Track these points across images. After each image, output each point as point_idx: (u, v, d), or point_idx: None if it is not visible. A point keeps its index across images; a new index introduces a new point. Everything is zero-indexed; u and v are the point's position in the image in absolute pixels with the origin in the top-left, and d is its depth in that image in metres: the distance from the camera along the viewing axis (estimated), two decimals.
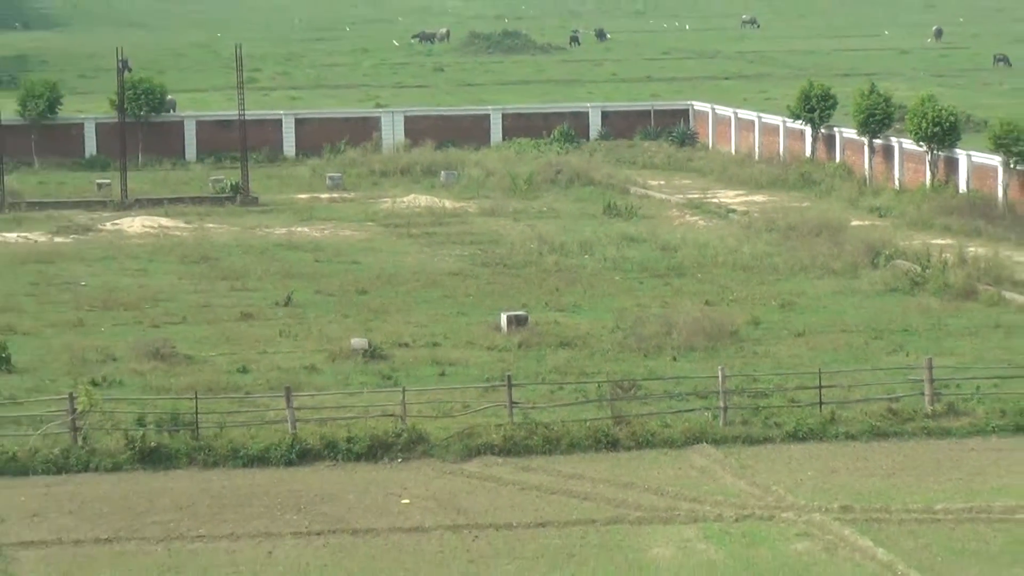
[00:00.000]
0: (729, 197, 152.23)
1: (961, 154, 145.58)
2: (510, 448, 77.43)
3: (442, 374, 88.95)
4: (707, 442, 78.44)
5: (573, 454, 76.99)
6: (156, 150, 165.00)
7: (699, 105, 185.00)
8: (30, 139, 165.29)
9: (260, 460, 76.23)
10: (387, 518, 69.04)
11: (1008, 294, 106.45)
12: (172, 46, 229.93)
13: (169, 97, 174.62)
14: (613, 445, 77.93)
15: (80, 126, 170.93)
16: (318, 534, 66.90)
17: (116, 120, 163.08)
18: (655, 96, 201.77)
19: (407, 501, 70.83)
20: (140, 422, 78.21)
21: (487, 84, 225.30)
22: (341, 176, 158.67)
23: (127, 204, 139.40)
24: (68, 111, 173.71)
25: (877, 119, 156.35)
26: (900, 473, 74.02)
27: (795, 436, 77.57)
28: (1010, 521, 67.39)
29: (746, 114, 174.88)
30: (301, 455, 76.44)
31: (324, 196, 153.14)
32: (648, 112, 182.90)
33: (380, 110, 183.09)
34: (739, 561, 64.16)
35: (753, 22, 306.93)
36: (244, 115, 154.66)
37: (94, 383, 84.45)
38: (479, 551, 65.38)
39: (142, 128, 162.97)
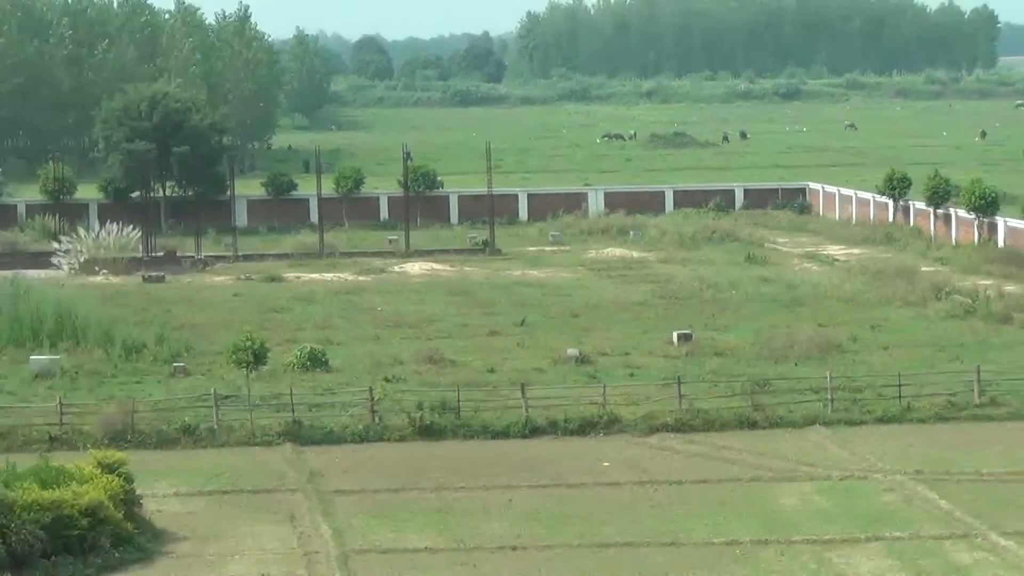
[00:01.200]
0: (834, 250, 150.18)
1: (1000, 220, 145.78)
2: (679, 427, 78.09)
3: (631, 374, 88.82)
4: (819, 424, 78.68)
5: (724, 432, 77.52)
6: (430, 215, 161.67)
7: (813, 185, 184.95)
8: (341, 207, 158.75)
9: (503, 434, 77.29)
10: (592, 476, 69.89)
11: None
12: (441, 143, 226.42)
13: (439, 178, 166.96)
14: (752, 425, 78.68)
15: (376, 199, 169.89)
16: (544, 486, 68.00)
17: (402, 194, 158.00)
18: (781, 178, 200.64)
19: (607, 464, 71.66)
20: (419, 407, 79.02)
21: (663, 170, 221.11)
22: (560, 234, 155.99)
23: (409, 253, 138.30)
24: (368, 188, 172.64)
25: (940, 195, 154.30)
26: (957, 447, 73.66)
27: (882, 420, 79.43)
28: None
29: (846, 191, 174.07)
30: (532, 431, 77.40)
31: (548, 248, 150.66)
32: (777, 190, 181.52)
33: (587, 187, 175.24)
34: (842, 508, 64.21)
35: (852, 126, 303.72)
36: (492, 191, 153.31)
37: (387, 379, 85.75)
38: (657, 500, 66.08)
39: (420, 200, 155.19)
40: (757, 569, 56.67)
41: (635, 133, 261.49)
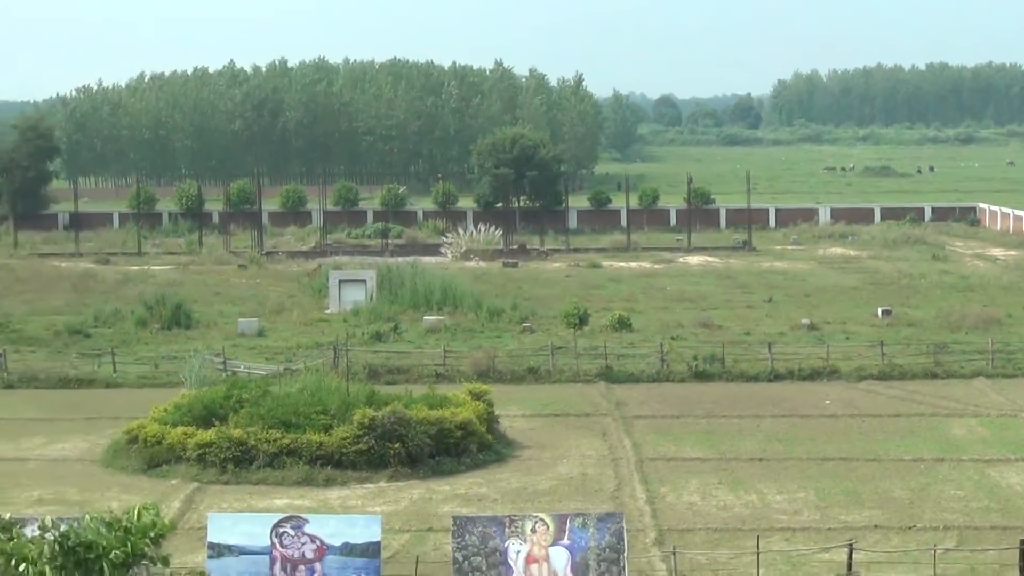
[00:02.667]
0: (996, 252, 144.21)
1: None
2: (881, 376, 76.95)
3: (847, 338, 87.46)
4: (983, 376, 77.29)
5: (914, 380, 76.13)
6: (704, 223, 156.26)
7: (982, 205, 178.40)
8: (643, 216, 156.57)
9: (754, 379, 76.62)
10: (818, 410, 69.33)
11: None
12: (714, 172, 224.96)
13: (712, 196, 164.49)
14: (934, 376, 77.18)
15: (668, 210, 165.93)
16: (783, 416, 67.67)
17: (685, 207, 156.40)
18: (958, 200, 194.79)
19: (828, 401, 70.76)
20: (695, 357, 78.58)
21: (873, 192, 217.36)
22: (797, 238, 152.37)
23: (690, 249, 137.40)
24: (662, 202, 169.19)
25: None
26: None
27: None
28: None
29: (1006, 209, 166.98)
30: (775, 377, 76.71)
31: (789, 247, 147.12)
32: (955, 208, 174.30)
33: (818, 204, 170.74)
34: (998, 437, 63.07)
35: (1012, 163, 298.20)
36: (750, 206, 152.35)
37: (672, 338, 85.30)
38: (864, 428, 65.49)
39: (698, 211, 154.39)
40: (935, 478, 55.95)
41: (853, 166, 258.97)
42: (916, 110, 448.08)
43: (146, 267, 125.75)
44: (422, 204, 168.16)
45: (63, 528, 19.19)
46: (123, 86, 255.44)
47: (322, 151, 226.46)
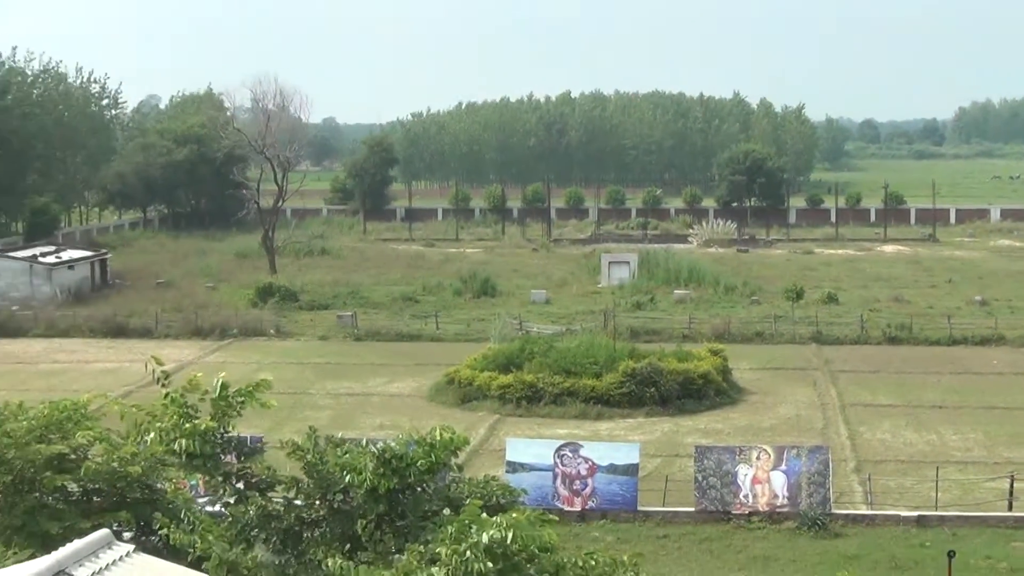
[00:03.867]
0: None
1: None
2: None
3: (1012, 311, 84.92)
4: None
5: None
6: (897, 220, 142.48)
7: None
8: (848, 215, 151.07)
9: (936, 343, 74.64)
10: (987, 368, 67.85)
11: None
12: (906, 180, 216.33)
13: (904, 198, 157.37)
14: None
15: (869, 209, 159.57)
16: (959, 374, 66.30)
17: (883, 207, 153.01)
18: None
19: (996, 362, 68.96)
20: (888, 325, 77.29)
21: None
22: (973, 232, 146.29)
23: (885, 240, 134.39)
24: (864, 203, 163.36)
25: None
26: None
27: None
28: None
29: None
30: (953, 342, 74.25)
31: (966, 240, 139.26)
32: None
33: (989, 205, 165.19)
34: None
35: None
36: (935, 206, 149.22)
37: (870, 309, 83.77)
38: (1021, 384, 64.64)
39: (892, 211, 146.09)
40: None
41: (1020, 176, 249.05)
42: None
43: (462, 250, 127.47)
44: (674, 203, 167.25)
45: (380, 445, 19.77)
46: (446, 112, 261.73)
47: (597, 162, 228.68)
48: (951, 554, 33.96)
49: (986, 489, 45.27)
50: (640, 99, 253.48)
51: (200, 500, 22.04)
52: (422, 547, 17.38)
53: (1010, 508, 42.92)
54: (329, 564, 17.29)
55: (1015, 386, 63.74)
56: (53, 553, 14.73)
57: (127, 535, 17.66)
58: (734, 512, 42.46)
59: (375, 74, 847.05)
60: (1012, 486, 43.68)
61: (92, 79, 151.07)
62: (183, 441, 19.12)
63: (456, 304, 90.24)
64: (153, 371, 20.08)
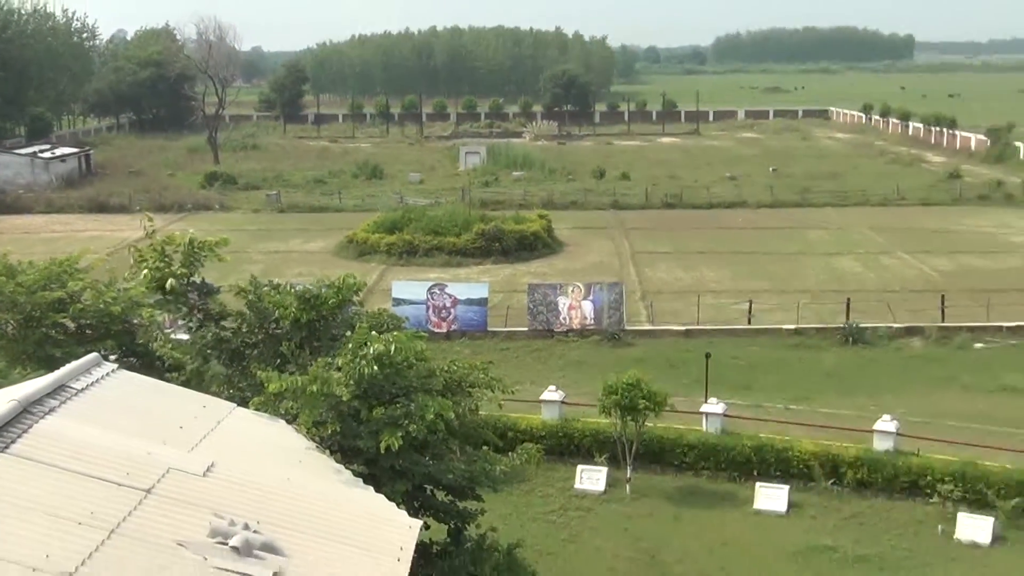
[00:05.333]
0: (840, 135, 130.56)
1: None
2: (770, 205, 74.71)
3: (752, 184, 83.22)
4: (829, 206, 74.67)
5: (789, 208, 73.88)
6: (671, 120, 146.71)
7: (832, 107, 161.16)
8: (637, 116, 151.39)
9: (698, 207, 74.58)
10: (733, 224, 68.11)
11: None
12: (680, 89, 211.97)
13: (676, 104, 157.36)
14: (799, 205, 74.76)
15: (651, 112, 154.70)
16: (715, 228, 66.74)
17: (661, 111, 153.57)
18: (819, 105, 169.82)
19: (740, 220, 69.24)
20: (665, 194, 76.34)
21: (770, 102, 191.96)
22: (724, 127, 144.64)
23: (663, 135, 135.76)
24: (648, 107, 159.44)
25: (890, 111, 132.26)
26: None
27: None
28: None
29: (846, 110, 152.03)
30: (710, 206, 74.48)
31: (720, 133, 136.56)
32: (816, 110, 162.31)
33: (737, 108, 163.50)
34: (837, 240, 62.30)
35: (903, 88, 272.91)
36: (698, 109, 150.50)
37: (653, 184, 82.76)
38: (760, 236, 64.11)
39: (668, 113, 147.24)
40: (800, 264, 56.01)
41: (758, 87, 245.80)
42: (799, 55, 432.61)
43: (357, 145, 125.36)
44: (512, 109, 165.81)
45: (300, 287, 20.08)
46: (344, 41, 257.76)
47: (456, 79, 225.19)
48: (708, 355, 34.82)
49: (733, 310, 46.12)
50: (487, 32, 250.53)
51: (166, 331, 22.09)
52: (329, 359, 17.71)
53: (749, 322, 44.08)
54: (262, 377, 17.54)
55: (752, 237, 64.28)
56: (56, 372, 14.67)
57: (112, 358, 17.61)
58: (556, 330, 43.05)
59: (292, 10, 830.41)
60: (750, 307, 44.87)
61: (74, 17, 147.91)
62: (171, 281, 19.60)
63: (353, 184, 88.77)
64: (145, 227, 21.24)
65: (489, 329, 43.28)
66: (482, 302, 43.93)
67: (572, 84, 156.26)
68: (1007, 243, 61.76)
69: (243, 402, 17.84)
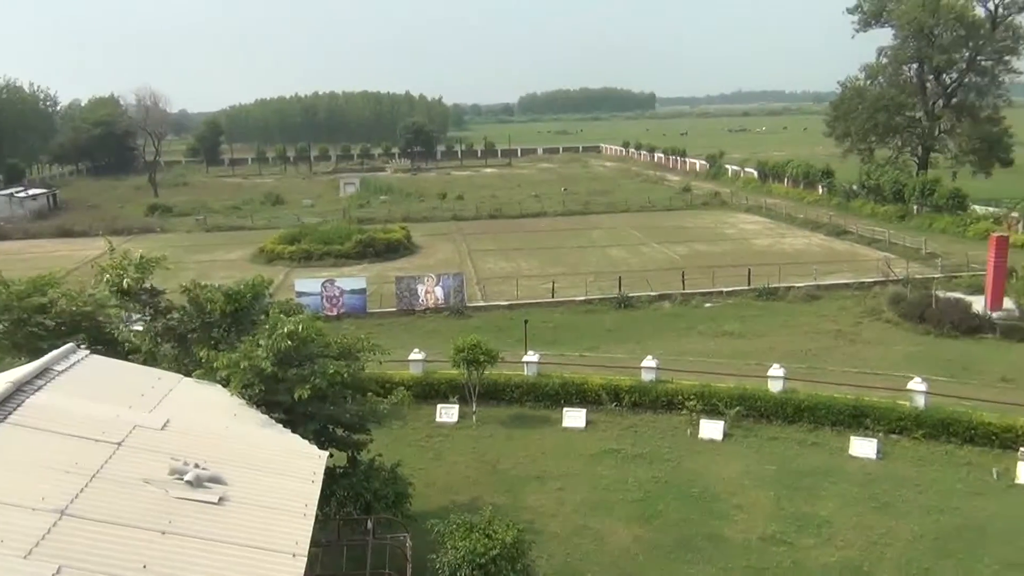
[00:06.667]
0: (608, 164, 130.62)
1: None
2: (564, 214, 73.99)
3: (549, 199, 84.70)
4: (603, 214, 74.35)
5: (579, 216, 73.22)
6: (489, 156, 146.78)
7: (601, 143, 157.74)
8: (468, 153, 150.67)
9: (513, 217, 73.87)
10: (539, 228, 67.76)
11: None
12: (495, 134, 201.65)
13: (495, 144, 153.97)
14: (584, 214, 73.88)
15: (477, 150, 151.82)
16: (526, 232, 66.33)
17: (483, 149, 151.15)
18: (594, 142, 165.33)
19: (544, 225, 70.80)
20: (494, 208, 76.66)
21: (561, 142, 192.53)
22: (527, 162, 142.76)
23: (483, 167, 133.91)
24: (476, 147, 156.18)
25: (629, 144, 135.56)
26: None
27: None
28: None
29: (613, 146, 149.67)
30: (521, 215, 73.98)
31: (525, 164, 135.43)
32: (593, 146, 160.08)
33: (537, 147, 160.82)
34: (610, 236, 62.14)
35: (684, 133, 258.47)
36: (510, 147, 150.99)
37: (483, 201, 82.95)
38: (559, 236, 63.60)
39: (487, 151, 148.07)
40: (585, 254, 55.83)
41: (562, 131, 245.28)
42: (579, 107, 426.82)
43: (264, 180, 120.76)
44: (377, 150, 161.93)
45: (224, 286, 19.71)
46: (250, 104, 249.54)
47: (335, 131, 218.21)
48: (526, 321, 35.04)
49: (540, 287, 46.11)
50: (356, 95, 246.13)
51: (126, 323, 21.29)
52: (251, 338, 17.33)
53: (553, 297, 44.23)
54: (201, 354, 17.04)
55: (552, 237, 64.08)
56: (41, 359, 14.13)
57: (84, 346, 16.83)
58: (417, 309, 42.57)
59: (209, 81, 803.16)
60: (553, 286, 45.14)
61: (39, 89, 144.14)
62: (127, 281, 19.15)
63: (262, 209, 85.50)
64: (109, 246, 21.68)
65: (368, 311, 42.48)
66: (362, 291, 43.22)
67: (420, 132, 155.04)
68: (723, 234, 63.85)
69: (188, 374, 17.57)
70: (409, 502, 18.98)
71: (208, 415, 14.90)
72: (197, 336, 18.96)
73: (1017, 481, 22.69)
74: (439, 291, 42.93)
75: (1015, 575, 18.53)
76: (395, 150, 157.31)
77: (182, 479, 10.98)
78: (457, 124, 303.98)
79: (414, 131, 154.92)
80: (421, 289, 43.02)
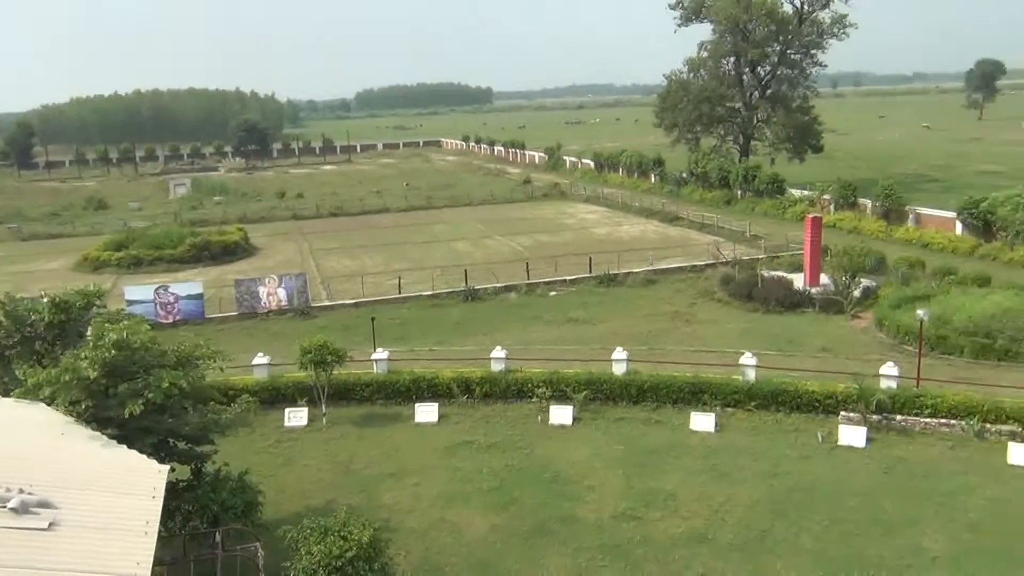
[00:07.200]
0: (449, 158, 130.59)
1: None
2: (407, 209, 73.77)
3: (391, 194, 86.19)
4: (447, 207, 74.36)
5: (424, 210, 73.35)
6: (331, 152, 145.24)
7: (442, 138, 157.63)
8: (306, 151, 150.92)
9: (355, 215, 73.55)
10: (381, 225, 67.75)
11: None
12: (333, 130, 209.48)
13: (334, 141, 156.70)
14: (430, 208, 74.07)
15: (315, 147, 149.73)
16: (368, 228, 65.54)
17: (323, 145, 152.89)
18: (433, 136, 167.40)
19: (387, 222, 70.59)
20: (335, 206, 74.80)
21: (401, 136, 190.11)
22: (370, 156, 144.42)
23: (325, 163, 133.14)
24: (313, 144, 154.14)
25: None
26: None
27: None
28: None
29: (452, 140, 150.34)
30: (364, 212, 73.62)
31: (365, 160, 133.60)
32: (433, 140, 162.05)
33: (375, 142, 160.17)
34: (454, 231, 62.17)
35: (523, 126, 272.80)
36: (348, 144, 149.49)
37: (324, 199, 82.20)
38: (402, 232, 63.21)
39: (328, 148, 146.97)
40: (430, 249, 56.10)
41: (395, 127, 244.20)
42: (417, 102, 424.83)
43: (84, 183, 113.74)
44: (208, 149, 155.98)
45: (49, 296, 18.44)
46: (65, 103, 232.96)
47: (162, 129, 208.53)
48: (372, 319, 34.82)
49: (387, 285, 45.75)
50: (183, 92, 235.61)
51: None
52: (76, 351, 16.36)
53: (399, 292, 43.96)
54: (18, 371, 16.12)
55: (396, 232, 63.65)
56: None
57: None
58: (259, 312, 41.45)
59: (12, 75, 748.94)
60: (399, 282, 44.92)
61: None
62: None
63: (84, 215, 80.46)
64: None
65: (207, 316, 40.94)
66: (199, 296, 41.51)
67: (253, 129, 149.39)
68: (563, 224, 65.34)
69: (7, 394, 16.28)
70: (259, 510, 18.50)
71: (32, 436, 13.88)
72: (17, 352, 17.64)
73: (839, 443, 24.59)
74: (282, 292, 41.86)
75: (841, 529, 20.03)
76: (228, 149, 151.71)
77: (4, 507, 10.12)
78: (293, 121, 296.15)
79: (247, 129, 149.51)
80: (263, 291, 41.81)
